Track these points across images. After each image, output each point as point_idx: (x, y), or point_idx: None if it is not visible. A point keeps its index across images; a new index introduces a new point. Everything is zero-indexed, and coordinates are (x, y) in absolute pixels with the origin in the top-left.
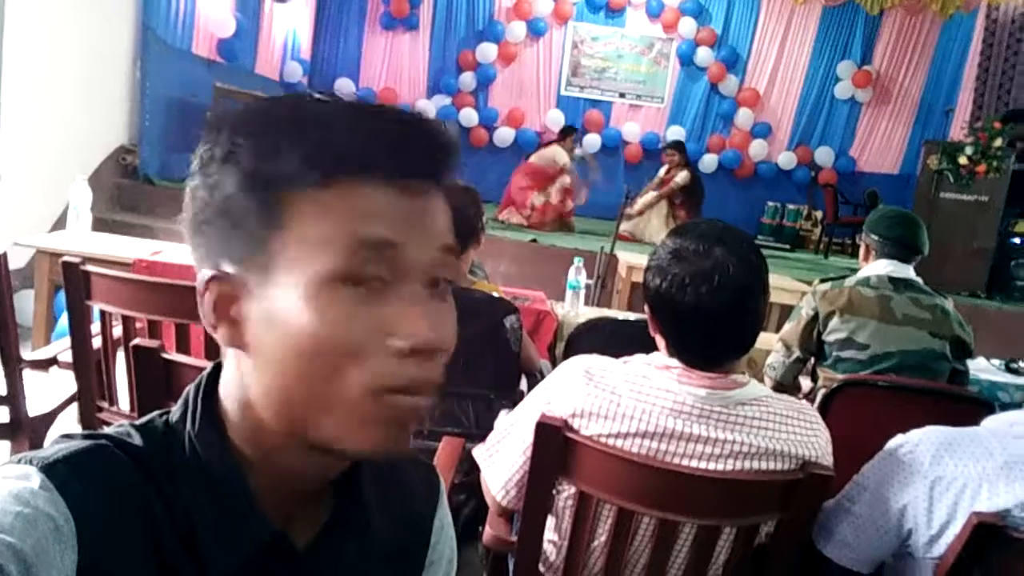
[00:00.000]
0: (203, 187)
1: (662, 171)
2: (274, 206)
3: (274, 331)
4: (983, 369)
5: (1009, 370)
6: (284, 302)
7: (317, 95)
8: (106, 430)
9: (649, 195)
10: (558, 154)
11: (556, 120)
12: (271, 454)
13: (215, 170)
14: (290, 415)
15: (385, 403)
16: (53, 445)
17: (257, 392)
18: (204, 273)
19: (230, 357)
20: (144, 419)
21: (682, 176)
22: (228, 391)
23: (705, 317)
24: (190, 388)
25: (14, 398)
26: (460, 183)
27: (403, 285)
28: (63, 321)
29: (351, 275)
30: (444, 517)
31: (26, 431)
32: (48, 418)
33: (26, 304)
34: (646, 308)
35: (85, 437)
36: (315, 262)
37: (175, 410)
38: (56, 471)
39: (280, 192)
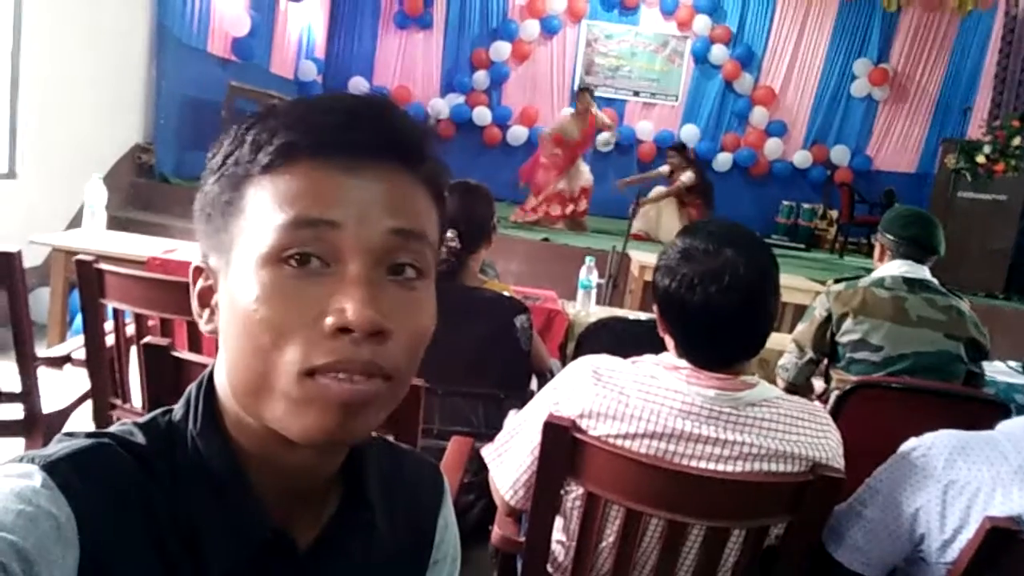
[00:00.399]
0: (200, 190)
1: (663, 168)
2: (236, 195)
3: (229, 314)
4: (999, 371)
5: None
6: (235, 284)
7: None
8: (109, 428)
9: (657, 190)
10: (565, 118)
11: None
12: (262, 447)
13: (206, 171)
14: (244, 399)
15: (314, 385)
16: (55, 444)
17: (228, 379)
18: (192, 264)
19: (220, 351)
20: (147, 417)
21: (687, 176)
22: (220, 384)
23: (714, 317)
24: (192, 387)
25: (29, 395)
26: (472, 182)
27: (346, 265)
28: (79, 318)
29: (290, 254)
30: (448, 516)
31: (40, 428)
32: (62, 415)
33: (42, 302)
34: (655, 308)
35: (88, 436)
36: (259, 243)
37: (177, 408)
38: (58, 469)
39: (238, 181)
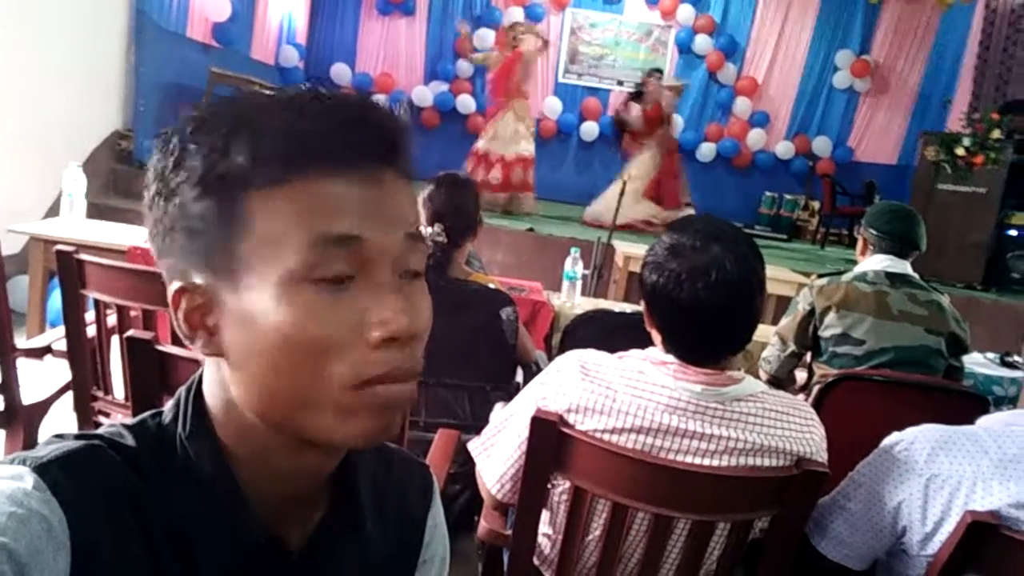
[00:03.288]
0: (161, 197)
1: (634, 111)
2: (234, 209)
3: (251, 335)
4: (977, 363)
5: (1004, 364)
6: (257, 305)
7: (267, 90)
8: (98, 430)
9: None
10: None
11: (553, 108)
12: (263, 454)
13: (171, 178)
14: (277, 414)
15: (368, 394)
16: (46, 445)
17: (241, 395)
18: (173, 285)
19: (209, 363)
20: (136, 419)
21: (667, 100)
22: (212, 394)
23: (701, 313)
24: (182, 390)
25: (8, 386)
26: (460, 175)
27: (372, 276)
28: (57, 306)
29: (319, 272)
30: (437, 516)
31: (20, 419)
32: (43, 406)
33: (21, 290)
34: (642, 303)
35: (77, 437)
36: (282, 262)
37: (167, 411)
38: (49, 471)
39: (238, 195)
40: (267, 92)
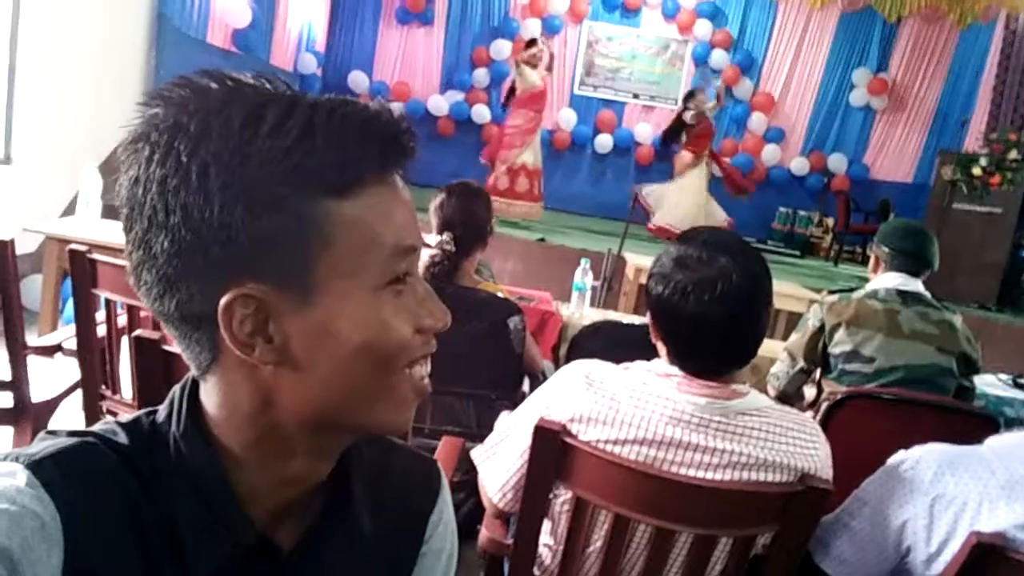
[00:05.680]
0: (182, 204)
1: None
2: (301, 220)
3: (333, 342)
4: (990, 384)
5: (1017, 385)
6: (343, 313)
7: (249, 82)
8: (92, 427)
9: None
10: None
11: (568, 119)
12: (277, 456)
13: (199, 186)
14: (340, 412)
15: (412, 376)
16: (39, 442)
17: (296, 399)
18: (223, 294)
19: (234, 369)
20: (130, 417)
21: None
22: (232, 401)
23: (707, 326)
24: (175, 389)
25: (18, 383)
26: (473, 184)
27: (414, 276)
28: (70, 306)
29: (397, 278)
30: (444, 511)
31: (29, 417)
32: (51, 404)
33: (34, 289)
34: (648, 315)
35: (70, 434)
36: (368, 273)
37: (161, 410)
38: (42, 468)
39: (302, 206)
40: (262, 85)
